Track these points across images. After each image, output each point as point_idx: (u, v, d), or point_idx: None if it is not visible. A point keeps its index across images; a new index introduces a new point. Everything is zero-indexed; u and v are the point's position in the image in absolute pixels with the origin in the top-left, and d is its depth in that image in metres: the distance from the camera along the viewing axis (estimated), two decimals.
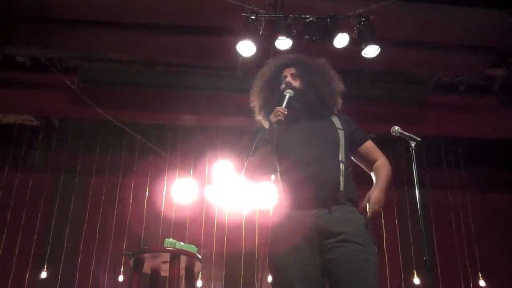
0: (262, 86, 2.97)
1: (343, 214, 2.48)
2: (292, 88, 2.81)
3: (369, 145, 2.83)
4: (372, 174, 2.77)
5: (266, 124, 2.96)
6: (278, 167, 2.64)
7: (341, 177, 2.56)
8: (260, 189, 6.76)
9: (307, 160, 2.59)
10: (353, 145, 2.78)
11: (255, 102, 3.00)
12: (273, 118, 2.65)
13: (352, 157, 2.80)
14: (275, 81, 2.91)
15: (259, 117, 3.00)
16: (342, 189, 2.53)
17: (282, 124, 2.63)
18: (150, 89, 6.90)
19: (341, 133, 2.74)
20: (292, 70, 2.91)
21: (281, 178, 2.60)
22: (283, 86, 2.84)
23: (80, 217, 7.35)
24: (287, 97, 2.74)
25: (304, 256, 2.42)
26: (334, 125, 2.79)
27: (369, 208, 2.52)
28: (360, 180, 2.80)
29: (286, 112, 2.64)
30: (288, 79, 2.87)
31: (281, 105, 2.69)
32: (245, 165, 2.86)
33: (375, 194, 2.54)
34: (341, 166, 2.60)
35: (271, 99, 2.85)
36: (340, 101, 2.94)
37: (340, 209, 2.49)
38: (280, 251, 2.49)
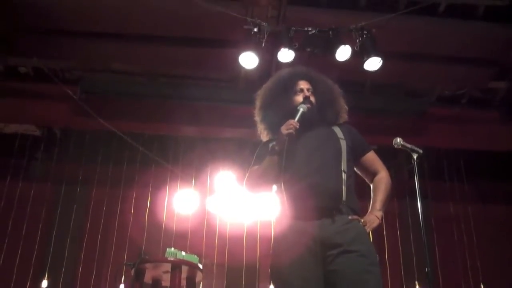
0: (272, 93, 2.93)
1: (345, 224, 2.47)
2: (310, 103, 2.80)
3: (371, 156, 2.84)
4: (371, 189, 2.79)
5: (264, 134, 2.96)
6: (281, 177, 2.63)
7: (343, 186, 2.57)
8: (262, 200, 6.76)
9: (309, 170, 2.58)
10: (355, 155, 2.78)
11: (260, 109, 2.97)
12: (284, 131, 2.64)
13: (354, 168, 2.80)
14: (287, 90, 2.88)
15: (259, 122, 2.98)
16: (345, 199, 2.54)
17: (292, 138, 2.64)
18: (152, 100, 6.92)
19: (343, 143, 2.74)
20: (307, 85, 2.89)
21: (284, 188, 2.58)
22: (299, 98, 2.83)
23: (81, 227, 7.34)
24: (300, 111, 2.72)
25: (308, 268, 2.41)
26: (336, 135, 2.78)
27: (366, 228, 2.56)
28: (362, 192, 2.80)
29: (298, 127, 2.64)
30: (307, 93, 2.85)
31: (293, 118, 2.68)
32: (247, 174, 2.85)
33: (371, 219, 2.59)
34: (343, 175, 2.61)
35: (281, 108, 2.83)
36: (346, 117, 2.95)
37: (343, 219, 2.48)
38: (283, 262, 2.47)
